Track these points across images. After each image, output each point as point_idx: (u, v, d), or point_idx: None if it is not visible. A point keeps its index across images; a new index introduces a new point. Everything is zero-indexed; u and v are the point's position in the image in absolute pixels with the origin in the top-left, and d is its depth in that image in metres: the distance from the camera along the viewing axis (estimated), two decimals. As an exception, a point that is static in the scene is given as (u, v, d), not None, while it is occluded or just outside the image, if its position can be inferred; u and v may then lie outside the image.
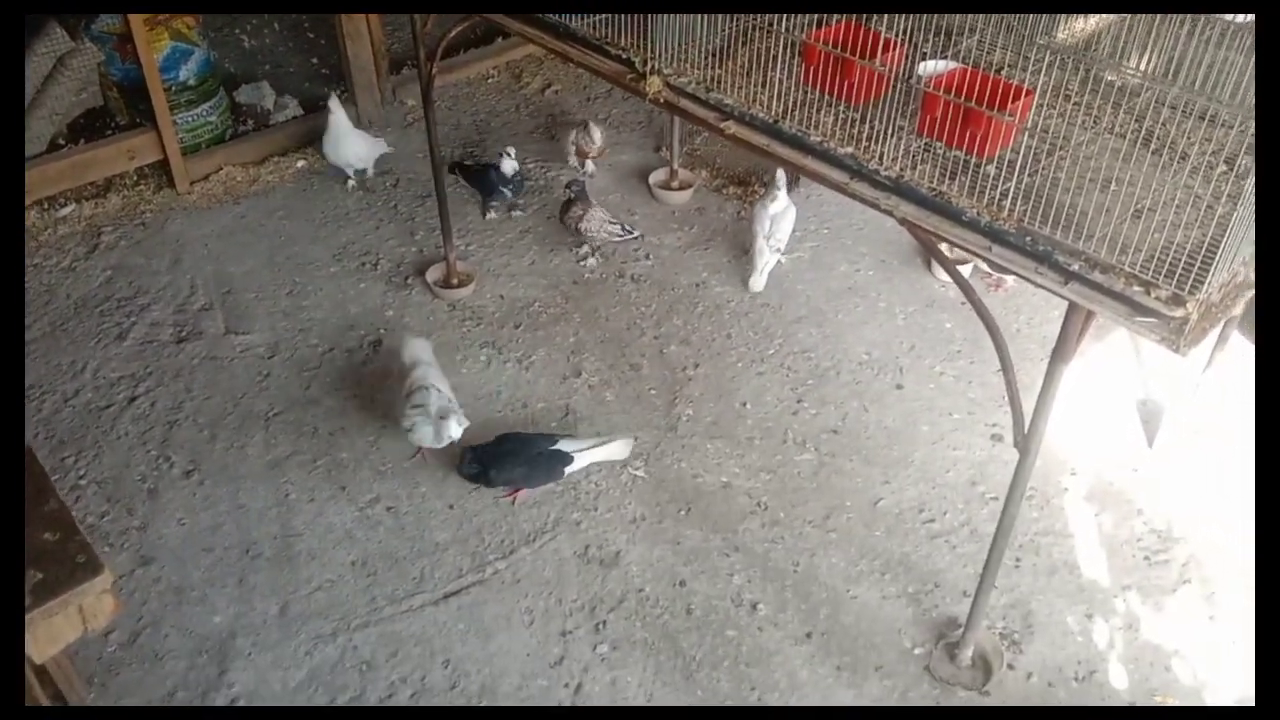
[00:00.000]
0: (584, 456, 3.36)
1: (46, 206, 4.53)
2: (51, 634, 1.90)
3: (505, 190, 4.55)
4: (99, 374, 3.83)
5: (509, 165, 4.50)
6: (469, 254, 4.43)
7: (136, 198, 4.66)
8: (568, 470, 3.34)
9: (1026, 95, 2.21)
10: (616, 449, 3.44)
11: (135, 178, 4.72)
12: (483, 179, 4.54)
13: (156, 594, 3.11)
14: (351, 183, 4.76)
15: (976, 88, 2.11)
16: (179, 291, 4.23)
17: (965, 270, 4.21)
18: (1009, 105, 2.14)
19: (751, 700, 2.86)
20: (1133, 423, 3.65)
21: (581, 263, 4.35)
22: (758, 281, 4.15)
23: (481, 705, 2.85)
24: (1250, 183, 1.82)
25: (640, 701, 2.86)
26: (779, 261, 4.22)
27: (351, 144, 4.70)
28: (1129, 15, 2.55)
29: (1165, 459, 3.51)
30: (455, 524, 3.33)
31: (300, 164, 4.95)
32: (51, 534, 1.95)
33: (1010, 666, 2.94)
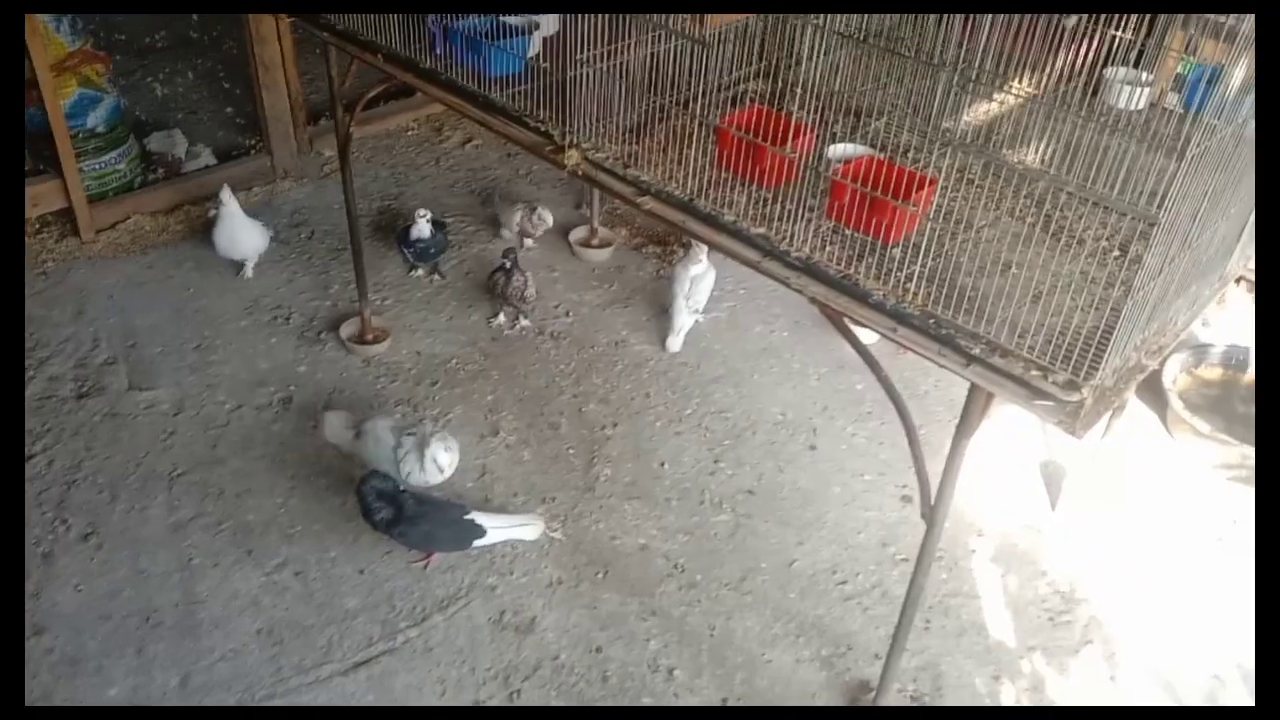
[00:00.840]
0: (497, 532, 3.31)
1: (-59, 254, 4.36)
2: None
3: (406, 252, 4.48)
4: (-7, 432, 3.68)
5: (418, 230, 4.42)
6: (385, 309, 4.39)
7: (38, 246, 4.52)
8: (477, 543, 3.28)
9: (930, 183, 2.29)
10: (531, 529, 3.39)
11: (37, 226, 4.58)
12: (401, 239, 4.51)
13: (48, 666, 2.98)
14: (247, 273, 4.48)
15: (883, 176, 2.18)
16: (81, 344, 4.10)
17: (873, 336, 4.32)
18: (913, 194, 2.21)
19: (666, 770, 2.86)
20: (1036, 485, 3.76)
21: (510, 328, 4.32)
22: (675, 342, 4.19)
23: (391, 780, 2.79)
24: (1140, 273, 1.91)
25: (554, 773, 2.83)
26: (696, 321, 4.27)
27: (246, 234, 4.44)
28: (1029, 102, 2.66)
29: (1067, 521, 3.62)
30: (366, 590, 3.26)
31: (212, 214, 4.84)
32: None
33: (919, 731, 2.98)
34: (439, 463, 3.35)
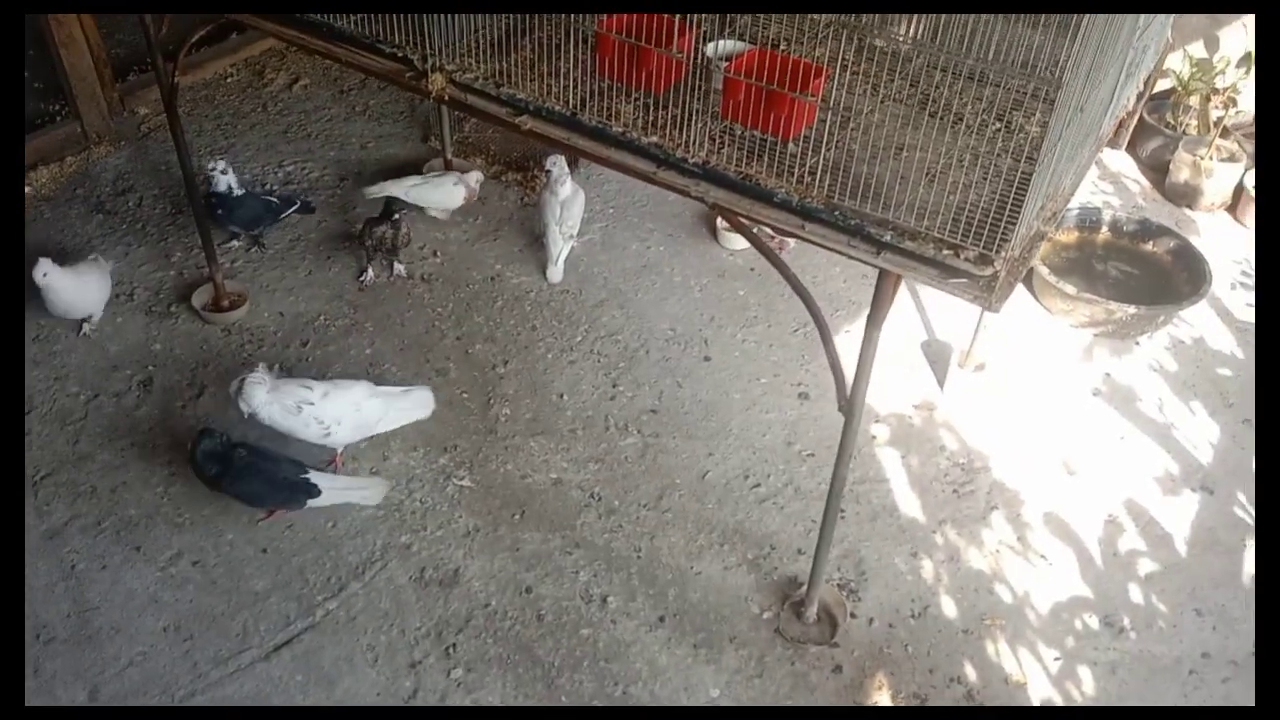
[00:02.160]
0: (333, 494, 3.16)
1: None
2: None
3: (220, 213, 4.04)
4: None
5: (216, 185, 4.01)
6: (237, 271, 4.11)
7: None
8: (310, 503, 3.13)
9: (821, 73, 2.25)
10: (370, 492, 3.26)
11: None
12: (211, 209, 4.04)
13: (-68, 706, 2.72)
14: (88, 328, 3.82)
15: (775, 70, 2.12)
16: (-102, 352, 3.68)
17: (743, 242, 4.33)
18: (808, 85, 2.16)
19: (616, 695, 2.84)
20: (921, 366, 3.87)
21: (390, 275, 4.12)
22: (555, 272, 4.08)
23: (336, 757, 2.68)
24: (1046, 140, 1.93)
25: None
26: (572, 248, 4.17)
27: (85, 293, 3.76)
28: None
29: (957, 397, 3.74)
30: (273, 569, 3.10)
31: (26, 191, 4.42)
32: None
33: (853, 615, 3.06)
34: (246, 396, 3.14)
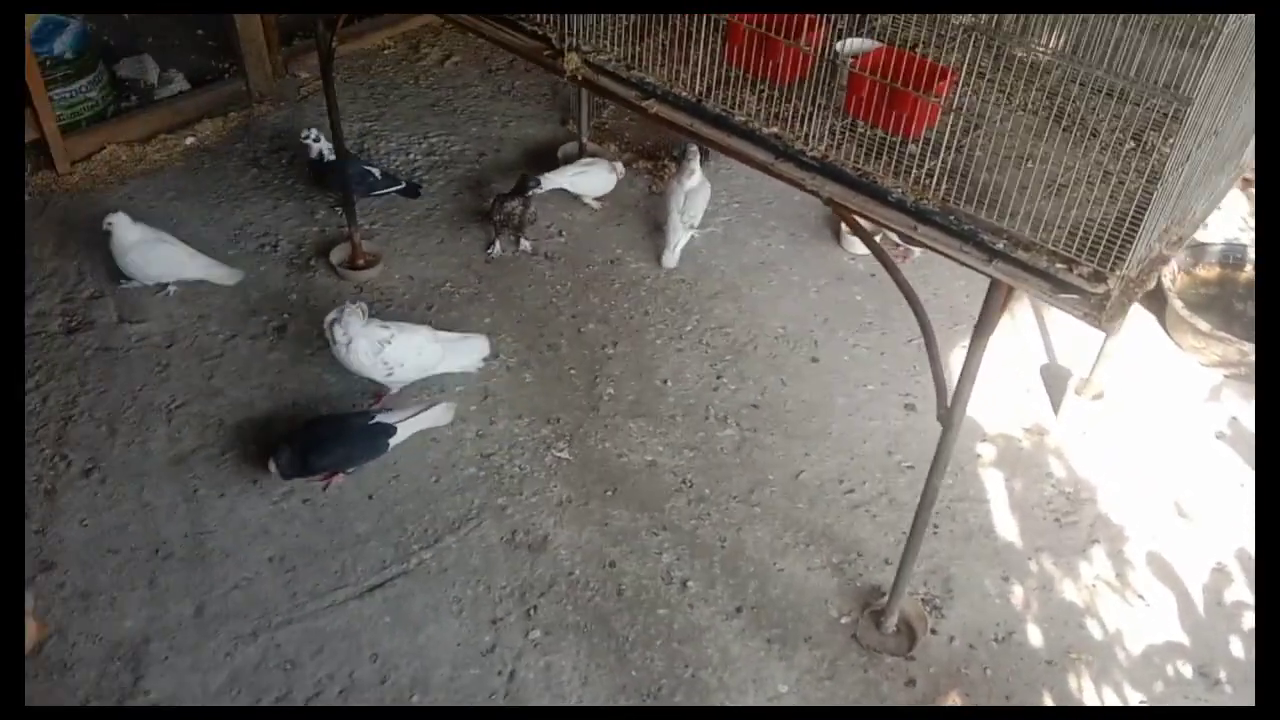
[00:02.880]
0: (407, 426, 3.31)
1: (-88, 190, 4.22)
2: None
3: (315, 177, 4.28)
4: (-18, 370, 3.60)
5: (314, 149, 4.23)
6: (374, 233, 4.30)
7: (12, 179, 4.38)
8: (392, 442, 3.28)
9: (948, 75, 2.23)
10: (439, 413, 3.41)
11: (10, 158, 4.43)
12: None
13: (61, 600, 2.96)
14: (172, 287, 3.95)
15: (901, 68, 2.12)
16: (66, 279, 4.00)
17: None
18: (933, 85, 2.15)
19: (685, 677, 2.88)
20: (1038, 389, 3.77)
21: (515, 251, 4.24)
22: (671, 258, 4.14)
23: (413, 699, 2.80)
24: (1170, 159, 1.88)
25: (575, 685, 2.85)
26: (692, 237, 4.22)
27: (147, 259, 3.84)
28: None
29: (1072, 424, 3.64)
30: (376, 514, 3.25)
31: (189, 141, 4.73)
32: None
33: (933, 631, 3.02)
34: (344, 324, 3.33)
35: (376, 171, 4.34)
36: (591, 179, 4.39)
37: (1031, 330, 4.00)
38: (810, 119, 2.29)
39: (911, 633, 2.98)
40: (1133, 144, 2.40)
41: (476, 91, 5.22)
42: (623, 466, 3.42)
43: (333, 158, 4.20)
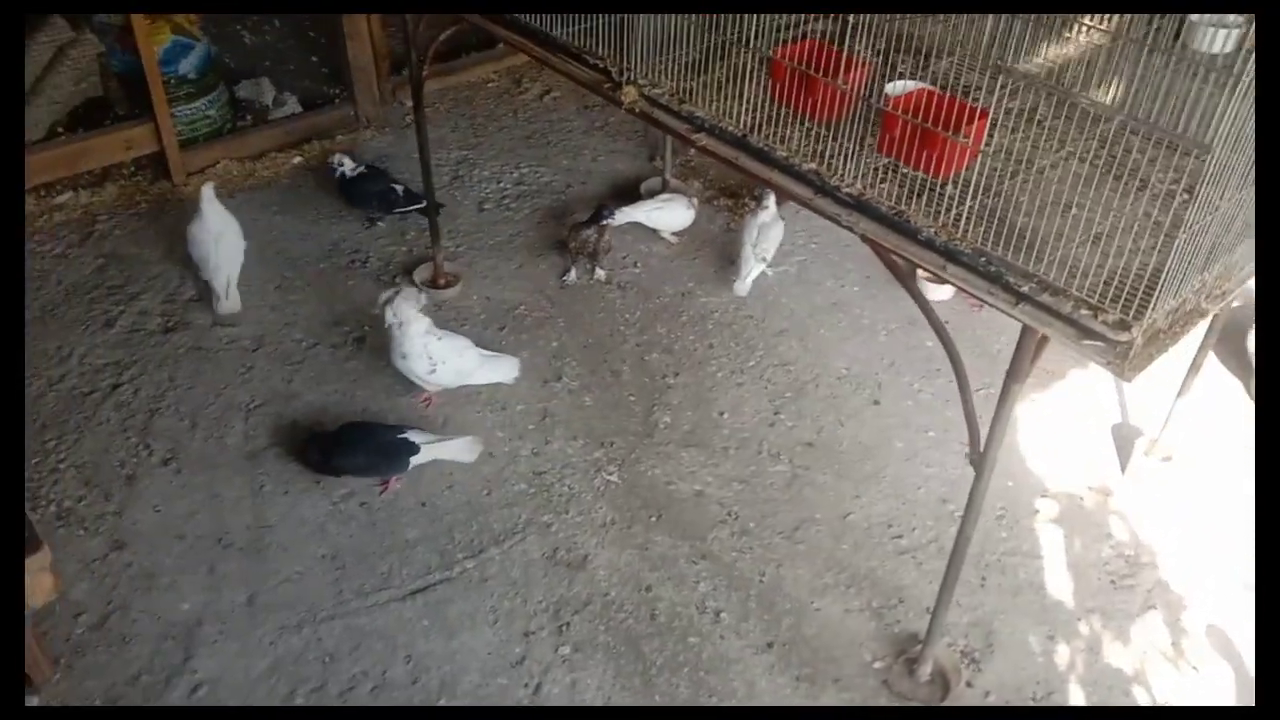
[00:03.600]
0: (430, 450, 3.41)
1: (43, 194, 4.58)
2: None
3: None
4: (85, 360, 3.87)
5: (338, 169, 4.55)
6: (458, 255, 4.46)
7: (133, 188, 4.71)
8: (413, 461, 3.37)
9: (982, 116, 2.24)
10: (464, 448, 3.49)
11: (132, 168, 4.77)
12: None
13: (127, 579, 3.15)
14: (225, 304, 4.05)
15: (935, 108, 2.14)
16: (169, 282, 4.27)
17: (946, 292, 4.25)
18: (965, 127, 2.16)
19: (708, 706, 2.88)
20: (1108, 448, 3.66)
21: (590, 279, 4.35)
22: (742, 286, 4.18)
23: (440, 702, 2.87)
24: (1192, 211, 1.84)
25: (597, 703, 2.88)
26: (765, 273, 4.25)
27: (233, 246, 4.07)
28: (1109, 43, 2.57)
29: (1138, 485, 3.52)
30: (426, 521, 3.36)
31: (296, 160, 5.00)
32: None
33: (969, 684, 2.95)
34: (397, 308, 3.50)
35: (400, 189, 4.54)
36: (668, 214, 4.47)
37: (1107, 386, 3.89)
38: (849, 156, 2.32)
39: (945, 684, 2.92)
40: (1186, 196, 2.35)
41: (571, 126, 5.38)
42: (670, 494, 3.46)
43: (354, 174, 4.52)
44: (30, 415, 3.64)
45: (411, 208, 4.53)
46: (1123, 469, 3.56)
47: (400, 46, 5.47)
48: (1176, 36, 2.72)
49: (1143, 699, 2.92)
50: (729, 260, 4.41)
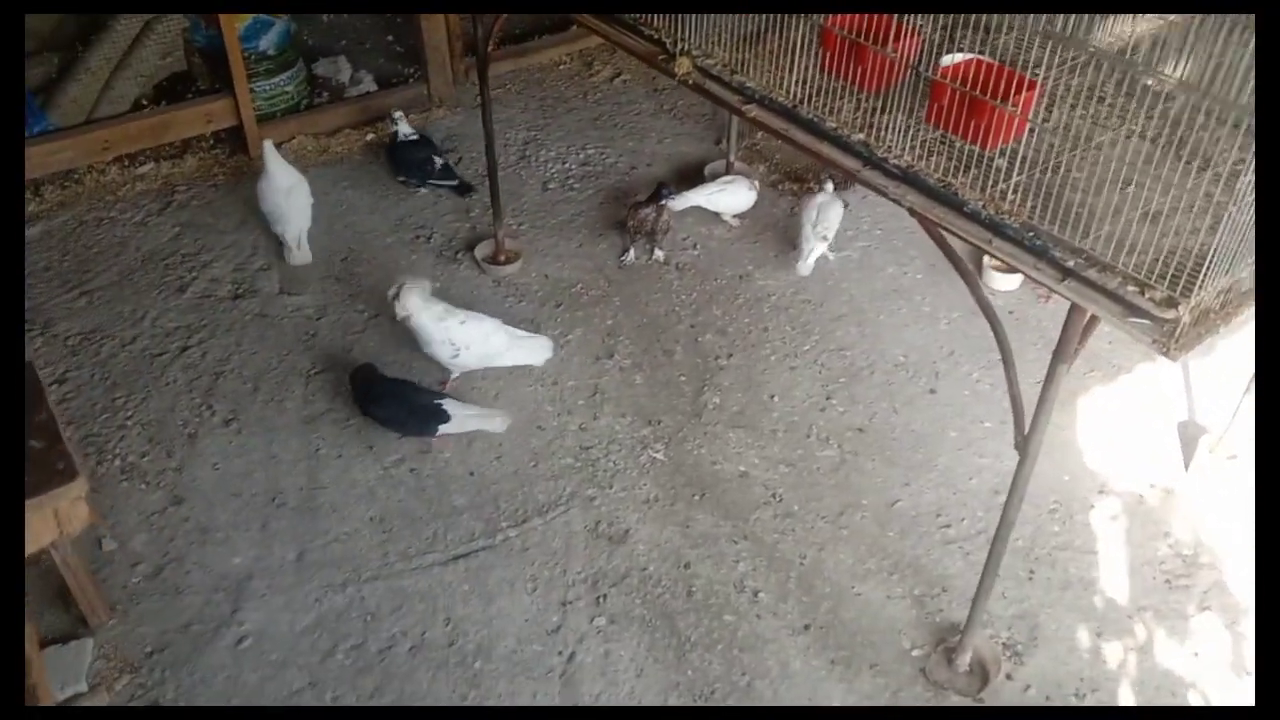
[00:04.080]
0: (463, 420, 3.44)
1: (127, 164, 4.75)
2: (29, 535, 2.01)
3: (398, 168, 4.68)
4: (157, 323, 4.01)
5: (395, 131, 4.63)
6: (520, 233, 4.50)
7: (211, 160, 4.86)
8: (441, 429, 3.41)
9: (1032, 86, 2.18)
10: (497, 422, 3.52)
11: (212, 141, 4.92)
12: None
13: (184, 532, 3.26)
14: (297, 254, 4.28)
15: (985, 78, 2.09)
16: (241, 251, 4.39)
17: (1014, 282, 4.16)
18: (1016, 97, 2.11)
19: (741, 685, 2.87)
20: (1172, 445, 3.54)
21: (648, 259, 4.35)
22: (804, 266, 4.14)
23: (475, 665, 2.91)
24: (1244, 185, 1.77)
25: (630, 675, 2.89)
26: (826, 256, 4.20)
27: (302, 199, 4.25)
28: (1169, 18, 2.48)
29: (1201, 482, 3.40)
30: (474, 490, 3.40)
31: (370, 137, 5.10)
32: (38, 441, 2.07)
33: (1009, 677, 2.89)
34: (403, 300, 3.52)
35: (439, 162, 4.62)
36: (729, 197, 4.45)
37: (1174, 381, 3.76)
38: (897, 128, 2.28)
39: (985, 674, 2.86)
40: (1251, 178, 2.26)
41: (639, 108, 5.39)
42: (715, 474, 3.45)
43: (407, 139, 4.60)
44: (103, 373, 3.79)
45: (444, 183, 4.63)
46: (1186, 466, 3.44)
47: (473, 28, 5.55)
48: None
49: (1193, 701, 2.83)
50: (790, 244, 4.37)
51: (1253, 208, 1.81)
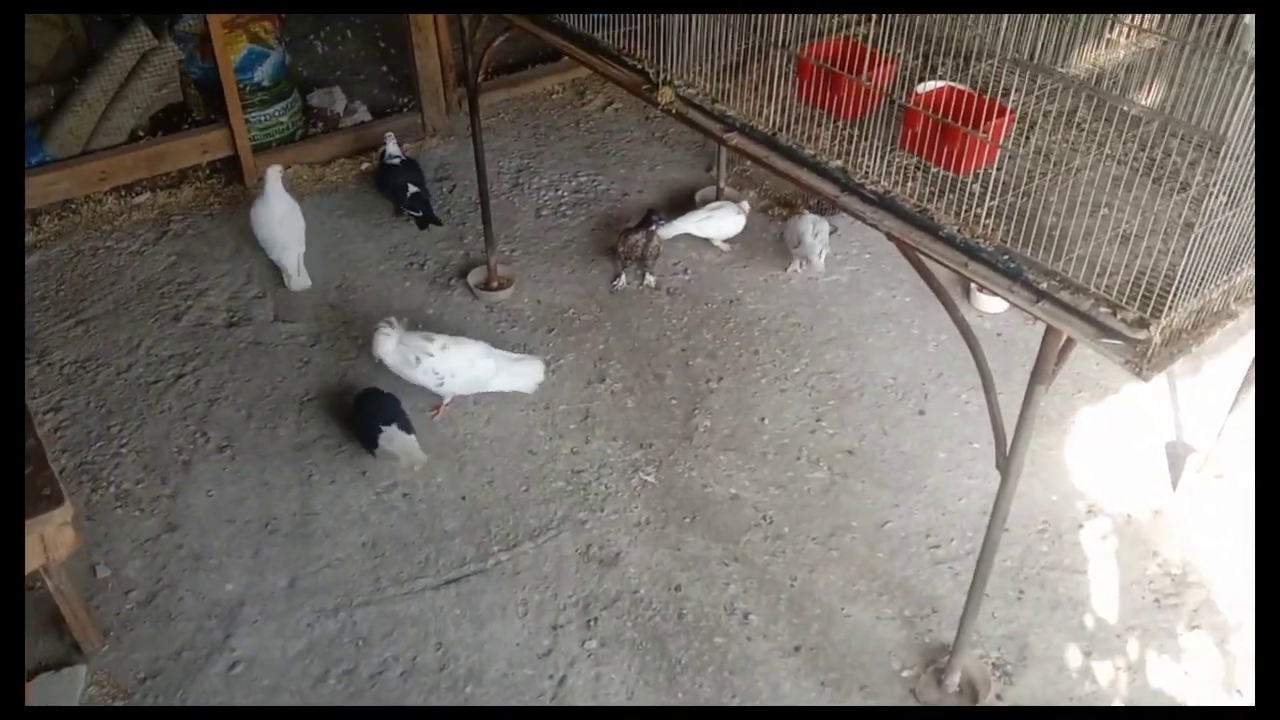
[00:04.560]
0: (388, 446, 3.47)
1: (123, 194, 4.81)
2: None
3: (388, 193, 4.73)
4: (152, 351, 4.04)
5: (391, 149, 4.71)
6: (512, 259, 4.55)
7: (207, 190, 4.91)
8: (377, 451, 3.48)
9: (1005, 114, 2.22)
10: (412, 454, 3.51)
11: (208, 171, 4.97)
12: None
13: (177, 559, 3.27)
14: (297, 280, 4.33)
15: (958, 105, 2.13)
16: (236, 280, 4.44)
17: (1003, 304, 4.19)
18: (988, 123, 2.15)
19: (731, 706, 2.88)
20: (1159, 465, 3.56)
21: (640, 284, 4.39)
22: (820, 263, 4.26)
23: (466, 689, 2.92)
24: (1206, 205, 1.81)
25: (621, 698, 2.90)
26: (813, 280, 4.26)
27: (298, 225, 4.31)
28: (1150, 44, 2.53)
29: (1189, 503, 3.42)
30: (465, 514, 3.42)
31: (364, 167, 5.15)
32: (25, 467, 2.10)
33: (998, 697, 2.90)
34: (375, 345, 3.65)
35: (412, 189, 4.66)
36: (717, 223, 4.50)
37: (1161, 402, 3.78)
38: (872, 154, 2.33)
39: (974, 694, 2.87)
40: (1225, 199, 2.30)
41: (631, 136, 5.44)
42: (705, 496, 3.47)
43: (390, 161, 4.68)
44: (98, 401, 3.82)
45: (411, 212, 4.68)
46: (1174, 486, 3.46)
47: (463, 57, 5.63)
48: (1228, 40, 2.67)
49: (1182, 721, 2.84)
50: (781, 268, 4.41)
51: (1221, 229, 1.84)
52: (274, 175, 4.29)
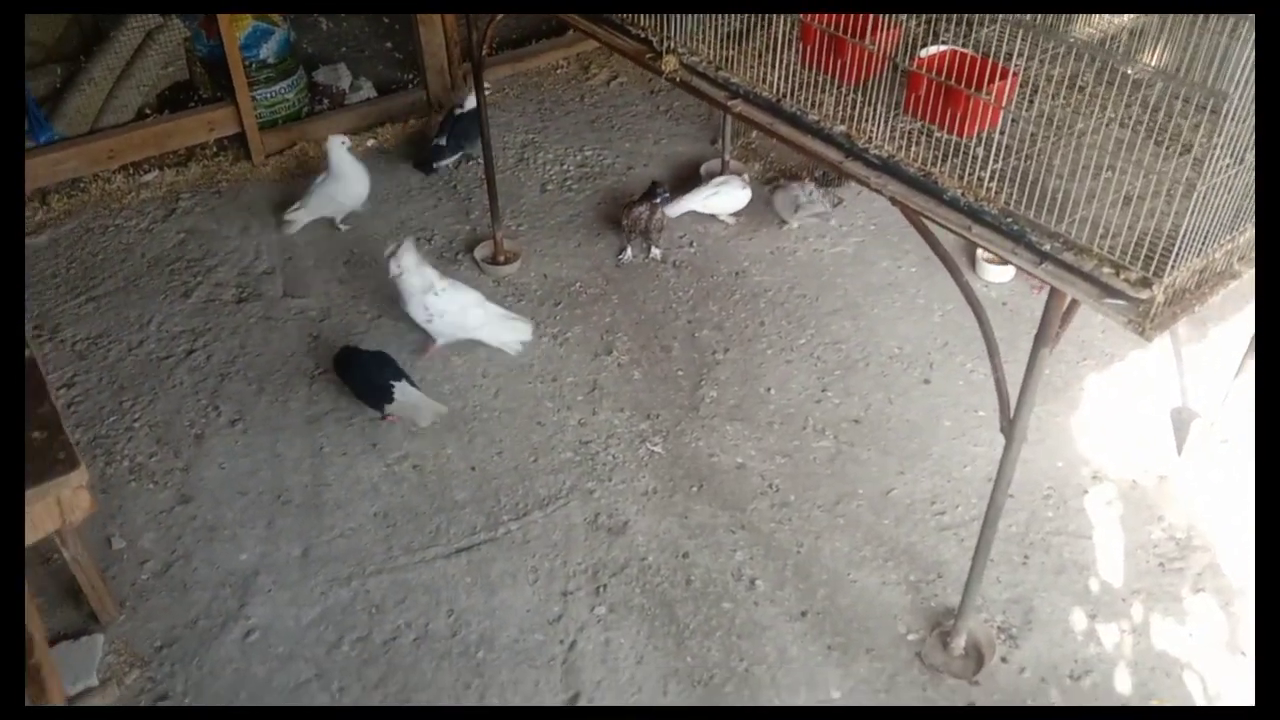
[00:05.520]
0: (401, 404, 3.56)
1: (131, 172, 4.83)
2: (31, 523, 2.07)
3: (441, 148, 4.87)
4: (163, 327, 4.08)
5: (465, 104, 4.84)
6: (519, 234, 4.56)
7: (215, 167, 4.93)
8: (387, 409, 3.59)
9: (1008, 76, 2.23)
10: (426, 410, 3.60)
11: (215, 148, 4.99)
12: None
13: (191, 530, 3.32)
14: (344, 225, 4.59)
15: (961, 68, 2.14)
16: (245, 256, 4.46)
17: (1008, 274, 4.21)
18: (991, 85, 2.16)
19: (739, 670, 2.91)
20: (1165, 430, 3.58)
21: (645, 257, 4.42)
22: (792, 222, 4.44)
23: (478, 654, 2.96)
24: (1209, 165, 1.82)
25: (630, 663, 2.93)
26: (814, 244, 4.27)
27: (357, 181, 4.49)
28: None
29: (1194, 467, 3.44)
30: (475, 484, 3.46)
31: (370, 143, 5.17)
32: (40, 432, 2.13)
33: (1004, 660, 2.93)
34: (399, 256, 3.74)
35: (446, 141, 4.85)
36: (723, 198, 4.50)
37: (1166, 368, 3.79)
38: (876, 119, 2.33)
39: (980, 657, 2.90)
40: (1229, 160, 2.30)
41: (636, 110, 5.45)
42: (712, 465, 3.50)
43: (461, 113, 4.86)
44: (110, 377, 3.86)
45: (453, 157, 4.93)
46: (1179, 451, 3.47)
47: (467, 32, 5.62)
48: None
49: (1189, 681, 2.86)
50: (787, 240, 4.44)
51: (1223, 188, 1.85)
52: (337, 145, 4.37)
